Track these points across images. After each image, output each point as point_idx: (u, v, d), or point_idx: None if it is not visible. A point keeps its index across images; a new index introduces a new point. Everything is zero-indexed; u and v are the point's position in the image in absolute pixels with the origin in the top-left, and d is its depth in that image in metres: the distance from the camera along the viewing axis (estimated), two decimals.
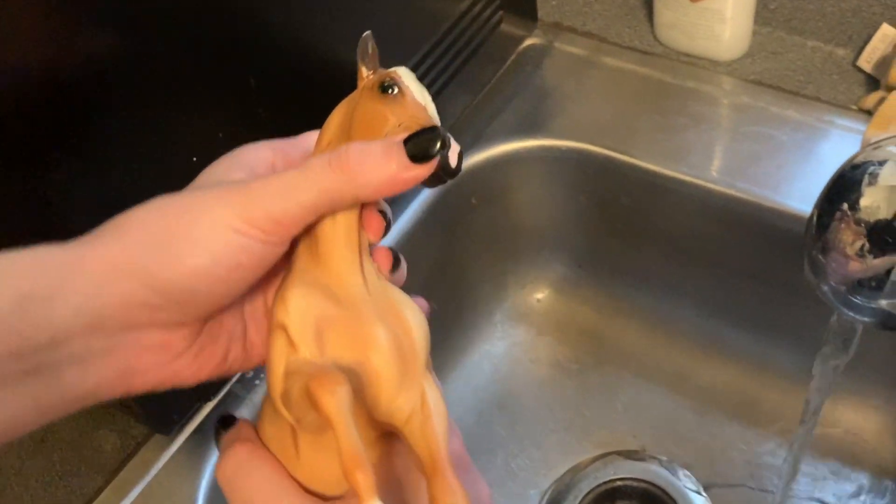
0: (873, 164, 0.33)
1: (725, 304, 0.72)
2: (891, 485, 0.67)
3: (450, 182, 0.74)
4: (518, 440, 0.73)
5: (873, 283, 0.33)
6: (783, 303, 0.68)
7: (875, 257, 0.32)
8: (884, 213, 0.32)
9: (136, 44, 0.44)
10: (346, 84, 0.59)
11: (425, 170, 0.30)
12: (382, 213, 0.34)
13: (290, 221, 0.30)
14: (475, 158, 0.71)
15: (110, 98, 0.44)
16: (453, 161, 0.31)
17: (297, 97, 0.55)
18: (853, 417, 0.71)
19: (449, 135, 0.31)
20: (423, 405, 0.32)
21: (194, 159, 0.48)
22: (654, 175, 0.68)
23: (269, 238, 0.30)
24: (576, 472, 0.71)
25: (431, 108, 0.34)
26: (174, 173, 0.48)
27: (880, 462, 0.69)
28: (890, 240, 0.32)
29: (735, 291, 0.70)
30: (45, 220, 0.43)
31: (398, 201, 0.68)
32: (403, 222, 0.68)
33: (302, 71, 0.55)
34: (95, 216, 0.45)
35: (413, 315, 0.33)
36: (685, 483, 0.69)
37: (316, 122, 0.57)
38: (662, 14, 0.75)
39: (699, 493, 0.69)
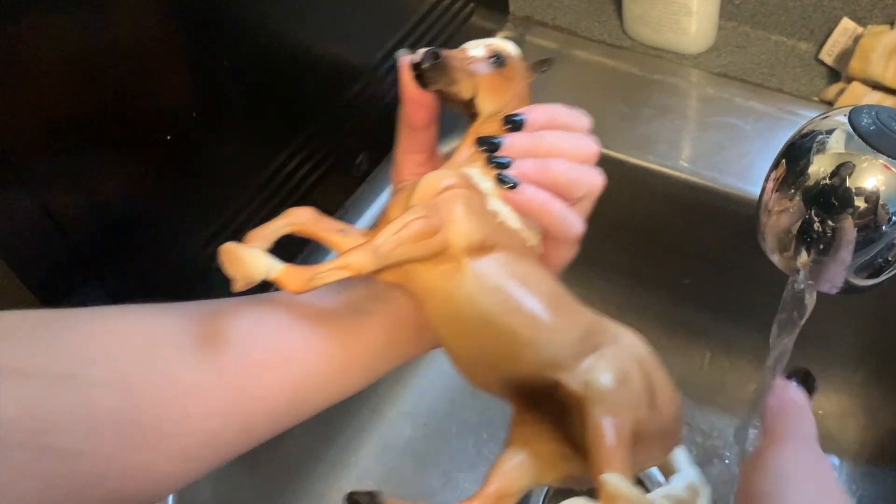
0: (821, 134, 0.34)
1: (691, 289, 0.73)
2: (851, 468, 0.69)
3: None
4: (489, 426, 0.74)
5: (821, 247, 0.34)
6: (747, 287, 0.69)
7: (821, 220, 0.34)
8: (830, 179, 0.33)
9: (110, 24, 0.44)
10: (313, 67, 0.60)
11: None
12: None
13: None
14: (447, 148, 0.72)
15: (84, 78, 0.44)
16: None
17: (268, 79, 0.56)
18: (815, 402, 0.72)
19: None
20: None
21: (168, 137, 0.49)
22: (623, 164, 0.70)
23: None
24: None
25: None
26: (149, 152, 0.49)
27: (843, 445, 0.70)
28: (835, 202, 0.33)
29: (701, 277, 0.72)
30: (17, 200, 0.44)
31: (370, 189, 0.69)
32: (375, 211, 0.69)
33: (274, 54, 0.56)
34: (71, 196, 0.45)
35: None
36: (661, 473, 0.71)
37: (285, 102, 0.58)
38: (631, 8, 0.76)
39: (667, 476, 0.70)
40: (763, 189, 0.36)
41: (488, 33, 0.79)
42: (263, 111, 0.57)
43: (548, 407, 0.39)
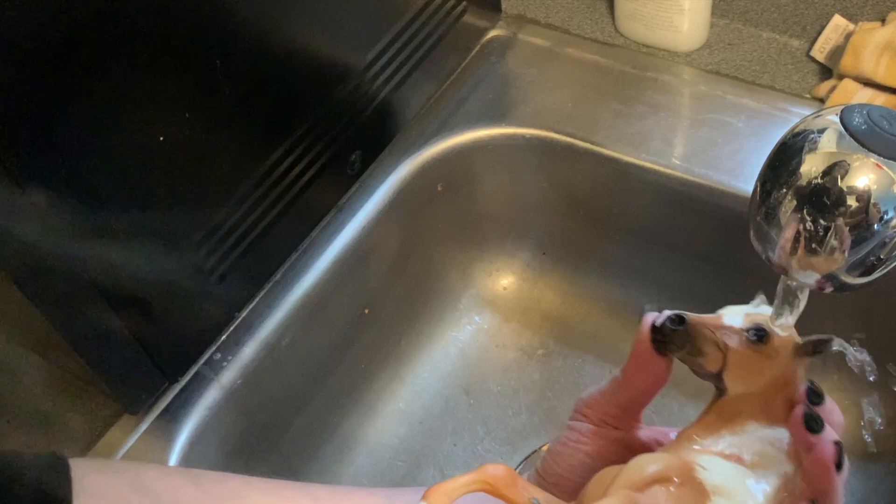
0: (813, 133, 0.34)
1: (685, 286, 0.73)
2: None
3: (415, 169, 0.75)
4: (484, 424, 0.74)
5: (813, 247, 0.34)
6: (740, 284, 0.69)
7: (813, 220, 0.34)
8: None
9: (103, 25, 0.44)
10: (306, 66, 0.60)
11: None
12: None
13: None
14: (440, 146, 0.72)
15: (77, 78, 0.44)
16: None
17: (260, 78, 0.55)
18: None
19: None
20: None
21: (161, 139, 0.49)
22: (616, 161, 0.70)
23: None
24: (542, 454, 0.72)
25: None
26: (143, 153, 0.49)
27: None
28: (827, 202, 0.33)
29: (694, 274, 0.72)
30: (13, 201, 0.44)
31: (364, 188, 0.69)
32: (369, 210, 0.69)
33: (265, 54, 0.56)
34: (62, 195, 0.45)
35: None
36: None
37: (277, 101, 0.58)
38: (623, 6, 0.77)
39: None
40: (754, 188, 0.36)
41: (482, 31, 0.79)
42: (256, 111, 0.57)
43: None
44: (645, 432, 0.40)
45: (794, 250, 0.34)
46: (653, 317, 0.37)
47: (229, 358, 0.60)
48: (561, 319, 0.79)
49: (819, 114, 0.35)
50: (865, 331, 0.68)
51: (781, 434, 0.36)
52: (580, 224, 0.76)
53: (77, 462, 0.34)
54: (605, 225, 0.74)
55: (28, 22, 0.40)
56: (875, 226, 0.33)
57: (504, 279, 0.81)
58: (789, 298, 0.38)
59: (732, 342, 0.36)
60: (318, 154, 0.63)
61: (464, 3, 0.74)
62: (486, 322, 0.79)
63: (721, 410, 0.36)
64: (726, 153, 0.67)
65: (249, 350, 0.61)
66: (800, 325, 0.40)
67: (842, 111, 0.34)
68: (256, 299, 0.63)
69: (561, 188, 0.74)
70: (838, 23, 0.72)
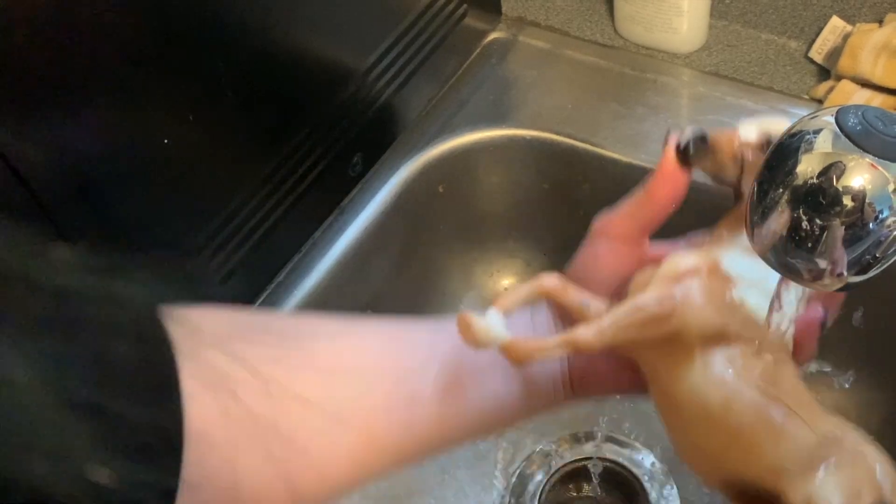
0: (809, 133, 0.35)
1: None
2: None
3: (416, 171, 0.75)
4: None
5: (809, 245, 0.35)
6: None
7: (809, 219, 0.34)
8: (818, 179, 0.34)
9: (107, 28, 0.45)
10: (308, 69, 0.61)
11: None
12: None
13: None
14: (442, 148, 0.73)
15: (82, 81, 0.45)
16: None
17: (263, 82, 0.56)
18: None
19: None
20: None
21: (165, 141, 0.49)
22: (616, 163, 0.70)
23: None
24: (542, 453, 0.73)
25: None
26: (146, 155, 0.50)
27: None
28: (823, 202, 0.34)
29: None
30: (20, 201, 0.44)
31: (366, 190, 0.70)
32: (371, 211, 0.70)
33: (268, 57, 0.56)
34: (70, 195, 0.46)
35: None
36: (649, 463, 0.71)
37: (279, 103, 0.58)
38: (622, 8, 0.77)
39: (662, 472, 0.71)
40: (751, 188, 0.37)
41: (482, 33, 0.79)
42: (259, 113, 0.57)
43: None
44: (659, 248, 0.43)
45: (790, 250, 0.35)
46: (677, 136, 0.40)
47: None
48: None
49: (815, 114, 0.36)
50: (867, 331, 0.68)
51: None
52: (580, 225, 0.75)
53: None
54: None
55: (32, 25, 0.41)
56: (870, 225, 0.34)
57: (505, 280, 0.81)
58: (787, 297, 0.39)
59: (749, 155, 0.39)
60: (321, 156, 0.64)
61: (464, 5, 0.75)
62: None
63: (740, 213, 0.39)
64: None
65: None
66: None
67: (837, 112, 0.35)
68: (260, 300, 0.64)
69: (561, 189, 0.74)
70: (836, 24, 0.72)
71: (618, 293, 0.41)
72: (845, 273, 0.35)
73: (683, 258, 0.39)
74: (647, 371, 0.40)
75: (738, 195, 0.41)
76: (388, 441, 0.40)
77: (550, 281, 0.40)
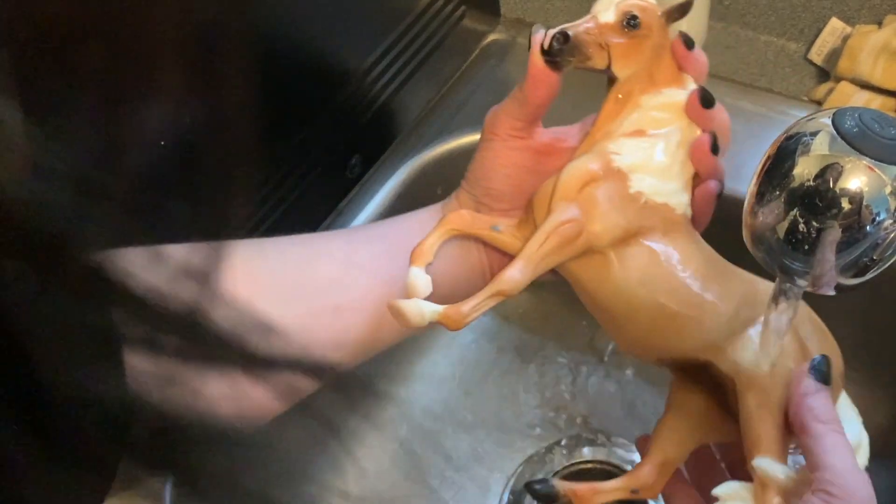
0: (806, 136, 0.35)
1: None
2: None
3: (415, 173, 0.75)
4: (484, 425, 0.74)
5: (806, 247, 0.35)
6: None
7: (806, 221, 0.34)
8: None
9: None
10: (306, 70, 0.60)
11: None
12: None
13: None
14: (440, 149, 0.72)
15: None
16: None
17: (260, 82, 0.56)
18: None
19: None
20: None
21: (162, 143, 0.49)
22: None
23: None
24: (541, 455, 0.73)
25: None
26: (143, 157, 0.50)
27: None
28: (820, 204, 0.34)
29: None
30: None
31: (364, 192, 0.70)
32: (369, 213, 0.69)
33: (265, 57, 0.56)
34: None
35: None
36: None
37: (278, 104, 0.58)
38: None
39: None
40: (748, 190, 0.37)
41: (481, 35, 0.79)
42: (256, 114, 0.57)
43: (704, 379, 0.40)
44: (546, 135, 0.46)
45: (787, 252, 0.35)
46: (540, 38, 0.42)
47: None
48: (561, 321, 0.79)
49: (812, 117, 0.36)
50: (866, 333, 0.68)
51: (671, 95, 0.41)
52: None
53: None
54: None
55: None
56: (867, 227, 0.34)
57: None
58: (784, 299, 0.39)
59: (612, 38, 0.40)
60: (319, 157, 0.64)
61: (463, 7, 0.75)
62: (486, 324, 0.80)
63: (615, 97, 0.41)
64: (725, 157, 0.68)
65: None
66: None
67: (834, 114, 0.35)
68: None
69: None
70: (835, 26, 0.72)
71: (518, 196, 0.43)
72: (842, 275, 0.35)
73: (578, 165, 0.40)
74: (570, 280, 0.42)
75: (611, 80, 0.42)
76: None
77: (457, 217, 0.43)
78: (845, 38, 0.70)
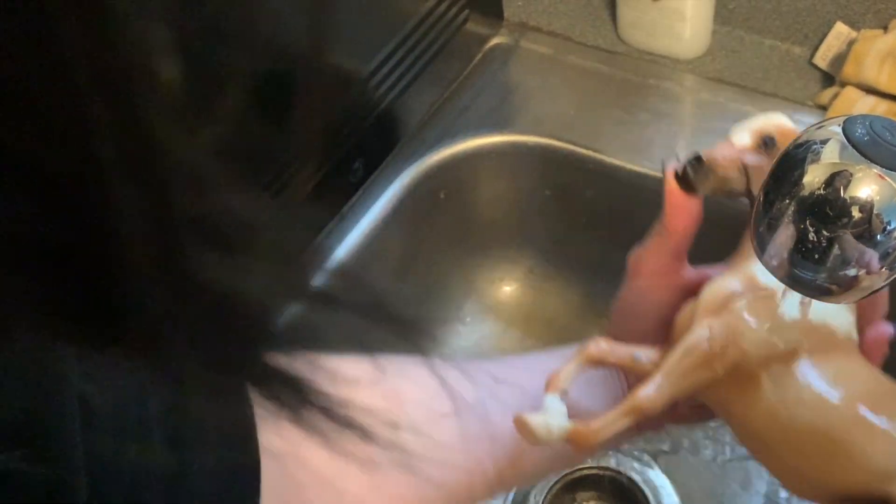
0: (816, 144, 0.35)
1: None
2: None
3: (418, 177, 0.75)
4: None
5: (816, 257, 0.34)
6: None
7: (816, 230, 0.34)
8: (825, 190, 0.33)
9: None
10: (308, 74, 0.60)
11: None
12: None
13: None
14: (443, 154, 0.72)
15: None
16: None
17: (262, 87, 0.56)
18: None
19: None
20: None
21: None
22: (618, 169, 0.70)
23: None
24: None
25: None
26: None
27: None
28: (830, 213, 0.33)
29: None
30: None
31: (366, 196, 0.69)
32: (372, 217, 0.69)
33: (267, 62, 0.56)
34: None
35: None
36: (651, 471, 0.71)
37: (279, 109, 0.58)
38: (625, 14, 0.77)
39: (665, 481, 0.70)
40: (757, 198, 0.37)
41: (484, 39, 0.79)
42: (258, 118, 0.57)
43: None
44: (692, 273, 0.43)
45: (797, 262, 0.35)
46: (674, 166, 0.40)
47: None
48: (563, 327, 0.79)
49: (822, 124, 0.35)
50: None
51: None
52: (582, 231, 0.76)
53: None
54: (607, 232, 0.74)
55: None
56: (878, 236, 0.33)
57: (506, 286, 0.81)
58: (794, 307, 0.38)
59: (750, 160, 0.39)
60: (321, 162, 0.64)
61: (466, 11, 0.75)
62: (489, 329, 0.79)
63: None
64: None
65: None
66: None
67: (844, 122, 0.34)
68: None
69: (563, 196, 0.74)
70: (840, 30, 0.72)
71: (667, 333, 0.40)
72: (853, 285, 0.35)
73: (719, 284, 0.38)
74: (719, 410, 0.39)
75: (752, 203, 0.40)
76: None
77: (595, 346, 0.40)
78: (850, 43, 0.70)
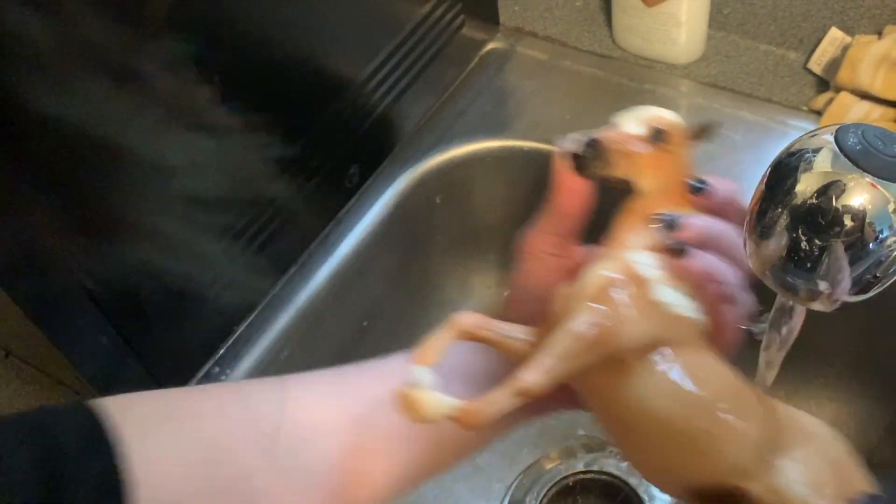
0: (808, 152, 0.35)
1: None
2: None
3: (414, 182, 0.75)
4: None
5: (808, 265, 0.34)
6: None
7: (808, 239, 0.34)
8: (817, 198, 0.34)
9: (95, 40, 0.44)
10: (304, 79, 0.60)
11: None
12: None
13: None
14: (439, 158, 0.72)
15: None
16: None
17: (258, 92, 0.56)
18: (807, 411, 0.72)
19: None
20: None
21: (165, 153, 0.49)
22: None
23: None
24: (540, 465, 0.73)
25: None
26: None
27: None
28: (822, 222, 0.33)
29: None
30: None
31: (362, 201, 0.69)
32: (367, 223, 0.69)
33: (263, 67, 0.56)
34: (53, 197, 0.45)
35: None
36: None
37: (275, 114, 0.58)
38: (620, 19, 0.77)
39: None
40: (750, 207, 0.37)
41: (480, 44, 0.79)
42: (254, 124, 0.57)
43: None
44: (581, 252, 0.43)
45: (789, 270, 0.35)
46: (566, 147, 0.40)
47: (228, 371, 0.61)
48: None
49: (814, 133, 0.35)
50: (866, 344, 0.68)
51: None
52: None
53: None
54: (603, 236, 0.74)
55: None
56: (871, 245, 0.33)
57: (503, 291, 0.81)
58: (786, 316, 0.39)
59: (640, 148, 0.39)
60: (317, 167, 0.64)
61: (462, 16, 0.75)
62: None
63: (635, 210, 0.40)
64: (723, 166, 0.67)
65: (248, 364, 0.61)
66: (798, 342, 0.41)
67: (837, 131, 0.35)
68: (255, 312, 0.63)
69: None
70: (835, 35, 0.72)
71: (541, 311, 0.40)
72: (845, 294, 0.35)
73: (597, 271, 0.38)
74: (585, 392, 0.39)
75: (630, 193, 0.41)
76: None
77: (466, 318, 0.39)
78: (845, 48, 0.70)
